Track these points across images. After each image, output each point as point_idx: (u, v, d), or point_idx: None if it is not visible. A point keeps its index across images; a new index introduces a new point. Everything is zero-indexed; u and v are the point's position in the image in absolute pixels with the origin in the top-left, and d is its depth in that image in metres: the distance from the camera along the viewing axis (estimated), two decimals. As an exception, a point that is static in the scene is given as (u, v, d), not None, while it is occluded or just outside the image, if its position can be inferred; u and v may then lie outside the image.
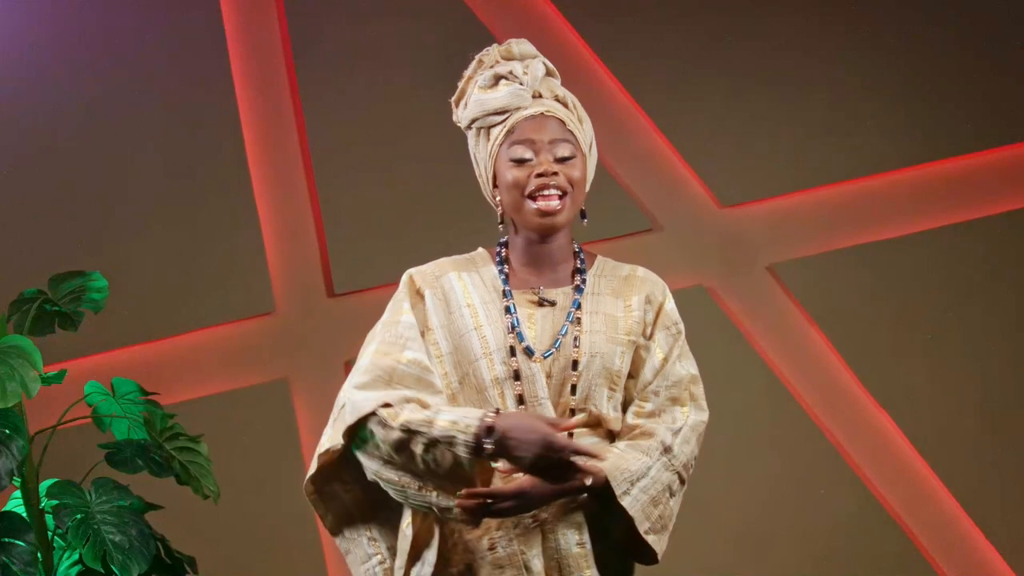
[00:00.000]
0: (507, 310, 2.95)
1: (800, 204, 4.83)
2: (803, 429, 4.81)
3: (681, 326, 3.03)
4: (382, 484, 2.88)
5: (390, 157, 4.96)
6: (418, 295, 2.97)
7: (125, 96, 4.94)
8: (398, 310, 2.96)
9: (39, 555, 3.71)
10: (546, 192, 2.92)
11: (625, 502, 2.87)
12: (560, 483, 2.81)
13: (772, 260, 4.81)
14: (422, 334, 2.94)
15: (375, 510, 2.97)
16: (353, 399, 2.87)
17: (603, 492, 2.87)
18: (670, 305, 3.03)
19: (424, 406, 2.84)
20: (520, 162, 2.93)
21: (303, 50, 4.90)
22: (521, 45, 2.99)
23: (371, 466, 2.88)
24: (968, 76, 4.86)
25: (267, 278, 4.83)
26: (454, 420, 2.79)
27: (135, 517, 3.73)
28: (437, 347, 2.95)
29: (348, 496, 2.97)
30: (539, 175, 2.92)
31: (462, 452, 2.78)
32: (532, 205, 2.92)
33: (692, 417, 2.98)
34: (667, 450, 2.94)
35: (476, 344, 2.93)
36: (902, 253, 4.85)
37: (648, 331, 3.01)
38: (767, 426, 4.89)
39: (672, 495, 2.95)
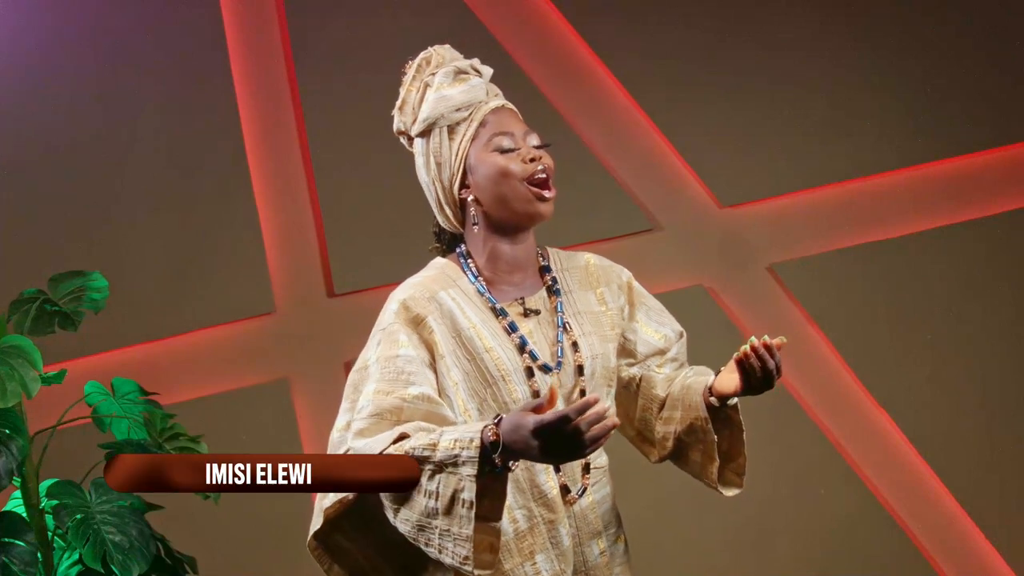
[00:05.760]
0: (510, 328, 2.87)
1: (800, 204, 4.83)
2: (803, 429, 4.81)
3: (650, 295, 3.07)
4: (403, 531, 2.68)
5: (390, 157, 4.95)
6: (415, 323, 2.82)
7: (125, 96, 4.94)
8: (394, 343, 2.78)
9: (39, 555, 3.71)
10: (541, 175, 2.87)
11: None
12: (582, 448, 2.55)
13: (772, 260, 4.81)
14: (431, 364, 2.80)
15: (389, 559, 2.80)
16: (356, 448, 2.70)
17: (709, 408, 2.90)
18: (635, 283, 3.04)
19: (430, 432, 2.66)
20: (506, 151, 2.87)
21: (303, 49, 4.90)
22: (450, 49, 2.96)
23: (388, 515, 2.69)
24: (968, 76, 4.86)
25: (267, 278, 4.82)
26: (456, 438, 2.60)
27: (135, 517, 3.72)
28: (450, 374, 2.81)
29: (355, 547, 2.79)
30: (530, 160, 2.87)
31: (468, 471, 2.57)
32: (533, 189, 2.86)
33: None
34: None
35: (491, 366, 2.82)
36: (902, 253, 4.85)
37: (627, 313, 3.01)
38: (767, 426, 4.89)
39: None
